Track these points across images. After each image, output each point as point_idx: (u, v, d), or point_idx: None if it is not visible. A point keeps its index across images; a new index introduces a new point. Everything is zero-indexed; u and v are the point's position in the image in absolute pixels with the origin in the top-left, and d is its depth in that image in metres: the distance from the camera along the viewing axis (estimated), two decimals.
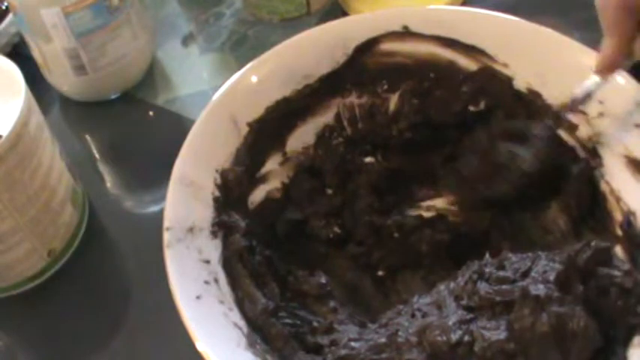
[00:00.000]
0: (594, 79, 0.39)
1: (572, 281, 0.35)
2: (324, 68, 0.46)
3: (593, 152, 0.41)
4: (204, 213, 0.40)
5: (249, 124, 0.44)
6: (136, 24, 0.58)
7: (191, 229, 0.39)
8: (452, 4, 0.61)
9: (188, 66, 0.64)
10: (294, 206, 0.46)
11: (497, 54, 0.44)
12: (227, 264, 0.39)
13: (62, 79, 0.59)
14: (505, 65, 0.44)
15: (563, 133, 0.43)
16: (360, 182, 0.47)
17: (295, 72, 0.46)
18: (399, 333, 0.37)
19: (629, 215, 0.38)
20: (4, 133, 0.43)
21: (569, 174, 0.42)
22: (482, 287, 0.36)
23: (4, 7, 0.63)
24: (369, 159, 0.48)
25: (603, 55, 0.36)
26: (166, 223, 0.38)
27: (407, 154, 0.48)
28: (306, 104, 0.46)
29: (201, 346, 0.33)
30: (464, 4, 0.62)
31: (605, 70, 0.37)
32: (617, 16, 0.33)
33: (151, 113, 0.61)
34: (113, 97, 0.61)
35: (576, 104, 0.40)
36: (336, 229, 0.47)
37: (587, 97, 0.39)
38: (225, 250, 0.40)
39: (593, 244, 0.36)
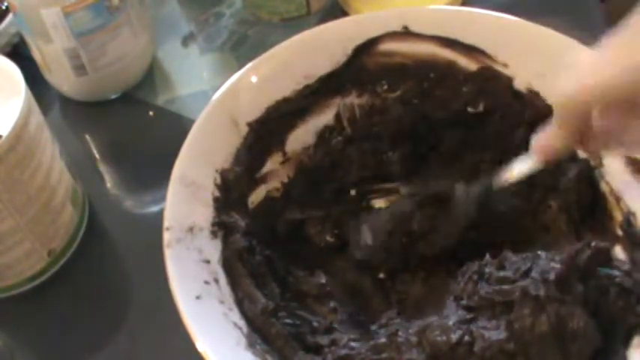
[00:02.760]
0: (533, 162, 0.38)
1: (572, 281, 0.35)
2: (324, 68, 0.46)
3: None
4: (204, 213, 0.40)
5: (249, 124, 0.44)
6: (136, 24, 0.58)
7: (191, 229, 0.39)
8: (452, 4, 0.61)
9: (188, 66, 0.64)
10: (294, 206, 0.46)
11: (497, 54, 0.44)
12: (227, 264, 0.39)
13: (62, 79, 0.59)
14: (505, 65, 0.44)
15: None
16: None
17: (295, 72, 0.46)
18: (399, 333, 0.37)
19: (629, 215, 0.38)
20: (4, 133, 0.43)
21: (569, 174, 0.42)
22: (483, 287, 0.36)
23: (4, 7, 0.63)
24: None
25: (551, 144, 0.36)
26: (166, 223, 0.38)
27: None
28: (306, 104, 0.46)
29: (201, 345, 0.33)
30: (464, 4, 0.62)
31: (546, 156, 0.37)
32: (574, 119, 0.34)
33: (151, 113, 0.61)
34: (113, 97, 0.61)
35: (507, 182, 0.40)
36: (329, 238, 0.47)
37: (520, 177, 0.40)
38: (225, 250, 0.40)
39: (593, 244, 0.36)
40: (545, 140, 0.36)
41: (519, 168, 0.40)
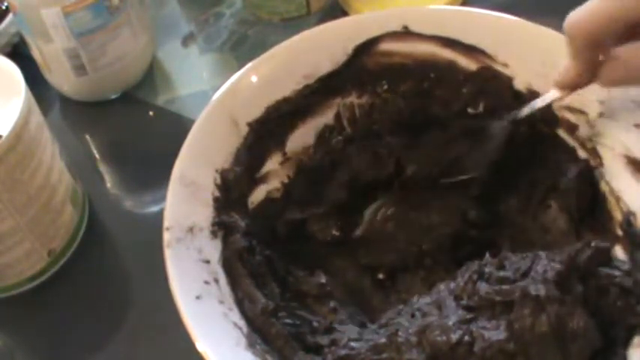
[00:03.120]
0: (554, 93, 0.40)
1: (572, 281, 0.35)
2: (324, 68, 0.46)
3: (593, 152, 0.41)
4: (204, 213, 0.40)
5: (249, 124, 0.44)
6: (136, 24, 0.58)
7: (191, 229, 0.39)
8: (452, 4, 0.61)
9: (188, 66, 0.64)
10: (294, 206, 0.46)
11: (497, 54, 0.44)
12: (227, 264, 0.39)
13: (62, 79, 0.59)
14: (505, 65, 0.44)
15: (563, 133, 0.43)
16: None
17: (295, 72, 0.46)
18: (399, 333, 0.37)
19: (629, 215, 0.38)
20: (4, 133, 0.43)
21: (569, 174, 0.42)
22: (482, 287, 0.36)
23: (4, 7, 0.63)
24: None
25: (567, 76, 0.39)
26: (166, 223, 0.38)
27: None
28: (306, 104, 0.46)
29: (201, 346, 0.33)
30: (464, 4, 0.62)
31: (567, 88, 0.39)
32: (585, 45, 0.36)
33: (151, 113, 0.61)
34: (113, 97, 0.61)
35: (533, 111, 0.42)
36: (335, 232, 0.47)
37: (544, 107, 0.42)
38: (225, 250, 0.40)
39: (593, 244, 0.36)
40: (563, 72, 0.39)
41: (543, 98, 0.41)
